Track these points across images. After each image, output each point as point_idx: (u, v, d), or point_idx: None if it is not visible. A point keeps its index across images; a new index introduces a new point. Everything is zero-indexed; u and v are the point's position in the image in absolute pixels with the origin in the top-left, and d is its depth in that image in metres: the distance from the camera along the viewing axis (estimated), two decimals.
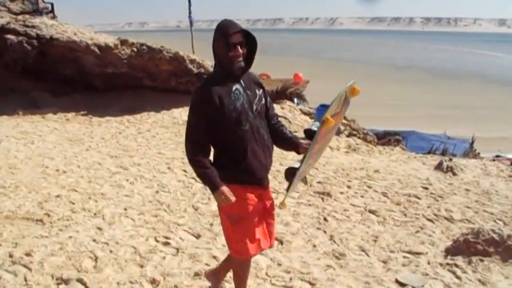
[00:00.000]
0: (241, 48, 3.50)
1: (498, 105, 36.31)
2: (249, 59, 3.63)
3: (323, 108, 13.93)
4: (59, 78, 16.23)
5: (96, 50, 15.73)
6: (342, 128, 15.86)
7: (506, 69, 67.19)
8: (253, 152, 3.66)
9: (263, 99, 3.77)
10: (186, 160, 10.31)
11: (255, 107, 3.64)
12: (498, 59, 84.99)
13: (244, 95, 3.59)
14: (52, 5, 18.75)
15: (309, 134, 3.73)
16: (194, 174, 8.22)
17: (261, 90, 3.76)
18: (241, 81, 3.61)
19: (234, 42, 3.45)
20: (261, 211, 3.90)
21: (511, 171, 11.09)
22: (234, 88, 3.55)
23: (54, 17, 18.20)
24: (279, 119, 4.09)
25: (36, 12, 17.51)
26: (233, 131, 3.55)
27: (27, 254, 5.39)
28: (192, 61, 15.97)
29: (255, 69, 3.92)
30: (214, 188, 3.59)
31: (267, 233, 3.96)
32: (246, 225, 3.83)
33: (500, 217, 7.33)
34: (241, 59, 3.53)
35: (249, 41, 3.57)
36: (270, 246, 4.11)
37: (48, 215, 6.58)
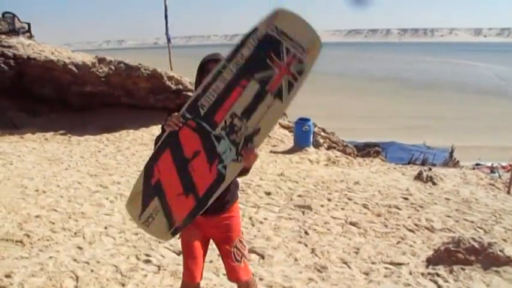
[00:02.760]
0: None
1: (476, 114, 36.70)
2: None
3: (302, 121, 13.98)
4: (36, 97, 16.13)
5: (74, 69, 15.69)
6: (322, 141, 15.92)
7: (483, 78, 68.00)
8: None
9: None
10: None
11: None
12: (475, 68, 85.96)
13: None
14: (29, 24, 18.70)
15: None
16: None
17: None
18: None
19: (208, 68, 3.43)
20: (203, 238, 3.74)
21: (490, 179, 11.20)
22: None
23: (31, 37, 18.15)
24: None
25: (13, 32, 17.43)
26: None
27: (7, 276, 5.31)
28: (170, 78, 15.98)
29: None
30: None
31: (199, 265, 3.72)
32: (183, 243, 3.78)
33: (480, 225, 7.39)
34: None
35: None
36: (236, 281, 3.76)
37: (28, 236, 6.50)
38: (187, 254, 3.73)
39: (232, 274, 3.73)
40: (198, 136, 3.18)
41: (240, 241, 3.73)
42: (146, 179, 3.28)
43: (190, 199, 3.23)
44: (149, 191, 3.25)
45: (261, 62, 3.11)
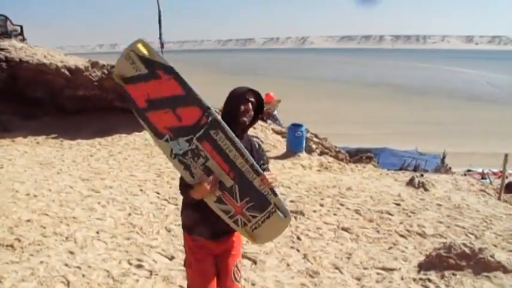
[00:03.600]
0: (252, 107, 3.47)
1: (468, 120, 36.85)
2: (252, 121, 3.55)
3: (294, 127, 13.98)
4: (29, 101, 16.05)
5: (67, 72, 15.65)
6: (314, 146, 15.92)
7: (474, 84, 68.28)
8: (198, 205, 3.40)
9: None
10: (158, 182, 10.17)
11: None
12: (466, 74, 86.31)
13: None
14: (21, 27, 18.66)
15: None
16: (167, 196, 8.24)
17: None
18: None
19: (249, 99, 3.44)
20: (211, 271, 3.66)
21: (481, 185, 11.23)
22: None
23: (23, 40, 18.09)
24: None
25: (5, 34, 17.38)
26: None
27: None
28: None
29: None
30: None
31: None
32: (189, 274, 3.76)
33: (471, 231, 7.41)
34: (249, 115, 3.46)
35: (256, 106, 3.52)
36: None
37: (19, 240, 6.47)
38: (202, 284, 3.66)
39: None
40: None
41: (240, 262, 3.80)
42: None
43: None
44: None
45: None
